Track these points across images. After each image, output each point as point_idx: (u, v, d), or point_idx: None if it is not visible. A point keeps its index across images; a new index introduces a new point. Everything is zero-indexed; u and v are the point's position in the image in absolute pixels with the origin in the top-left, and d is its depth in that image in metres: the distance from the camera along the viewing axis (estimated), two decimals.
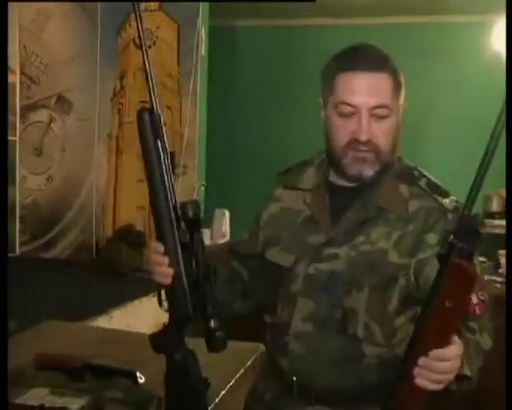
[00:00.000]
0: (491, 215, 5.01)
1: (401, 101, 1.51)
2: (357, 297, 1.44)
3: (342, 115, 1.46)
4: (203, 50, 4.66)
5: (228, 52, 6.10)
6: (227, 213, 4.89)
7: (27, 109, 5.15)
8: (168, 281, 1.36)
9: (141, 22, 1.32)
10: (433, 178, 1.53)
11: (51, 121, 5.13)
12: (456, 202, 1.47)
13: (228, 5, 5.31)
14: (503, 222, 4.71)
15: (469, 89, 5.64)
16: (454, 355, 1.15)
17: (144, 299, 3.86)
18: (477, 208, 5.48)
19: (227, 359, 1.66)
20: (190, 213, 1.33)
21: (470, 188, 1.12)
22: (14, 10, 4.78)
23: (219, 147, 5.46)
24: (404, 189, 1.49)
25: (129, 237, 4.59)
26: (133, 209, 4.86)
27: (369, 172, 1.46)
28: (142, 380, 1.77)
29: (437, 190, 1.49)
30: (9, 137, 4.88)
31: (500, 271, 4.01)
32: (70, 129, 5.09)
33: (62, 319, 2.69)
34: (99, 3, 4.80)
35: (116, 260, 4.46)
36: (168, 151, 1.35)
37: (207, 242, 4.70)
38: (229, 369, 1.99)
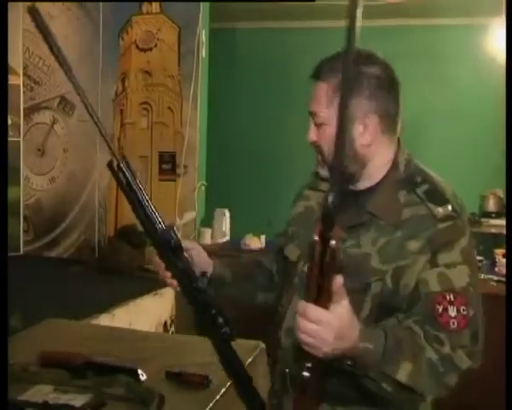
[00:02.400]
0: (488, 215, 5.03)
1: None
2: None
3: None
4: (203, 52, 4.66)
5: (228, 54, 6.08)
6: (227, 213, 4.88)
7: (31, 111, 5.15)
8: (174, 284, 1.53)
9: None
10: (437, 185, 1.50)
11: (54, 122, 5.14)
12: (453, 210, 1.44)
13: (228, 8, 5.29)
14: (500, 222, 4.75)
15: (464, 91, 5.66)
16: (317, 318, 1.12)
17: (146, 297, 3.88)
18: (474, 208, 5.48)
19: None
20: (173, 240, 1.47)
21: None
22: (18, 14, 4.74)
23: (220, 147, 5.45)
24: (402, 195, 1.48)
25: (130, 237, 4.58)
26: None
27: (322, 171, 1.55)
28: (143, 377, 1.77)
29: (433, 198, 1.46)
30: (13, 138, 4.87)
31: (496, 269, 4.05)
32: (72, 130, 5.09)
33: (65, 317, 2.67)
34: (101, 7, 4.83)
35: (118, 259, 4.45)
36: (143, 189, 1.46)
37: (208, 241, 4.73)
38: None
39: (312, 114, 1.52)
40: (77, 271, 4.63)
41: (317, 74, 1.51)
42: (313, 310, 1.11)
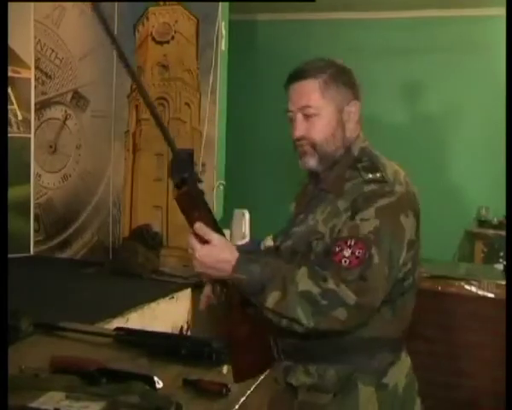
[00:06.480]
0: None
1: (336, 102, 1.76)
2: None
3: (290, 121, 1.81)
4: (223, 45, 4.61)
5: (248, 47, 6.04)
6: (247, 214, 4.82)
7: (42, 105, 5.13)
8: None
9: None
10: (378, 162, 1.73)
11: (66, 118, 5.11)
12: (381, 177, 1.67)
13: None
14: None
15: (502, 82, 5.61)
16: (190, 246, 1.59)
17: (161, 301, 3.86)
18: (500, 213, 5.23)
19: None
20: None
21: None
22: (29, 5, 4.78)
23: (239, 145, 5.40)
24: (348, 173, 1.74)
25: (146, 238, 4.55)
26: (150, 209, 4.83)
27: (311, 162, 1.76)
28: (159, 385, 1.73)
29: (368, 169, 1.71)
30: (24, 134, 4.91)
31: None
32: (86, 126, 5.07)
33: (77, 320, 2.59)
34: None
35: (133, 261, 4.43)
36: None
37: None
38: None
39: (301, 109, 1.75)
40: (89, 273, 4.60)
41: (300, 75, 1.76)
42: (191, 240, 1.59)
